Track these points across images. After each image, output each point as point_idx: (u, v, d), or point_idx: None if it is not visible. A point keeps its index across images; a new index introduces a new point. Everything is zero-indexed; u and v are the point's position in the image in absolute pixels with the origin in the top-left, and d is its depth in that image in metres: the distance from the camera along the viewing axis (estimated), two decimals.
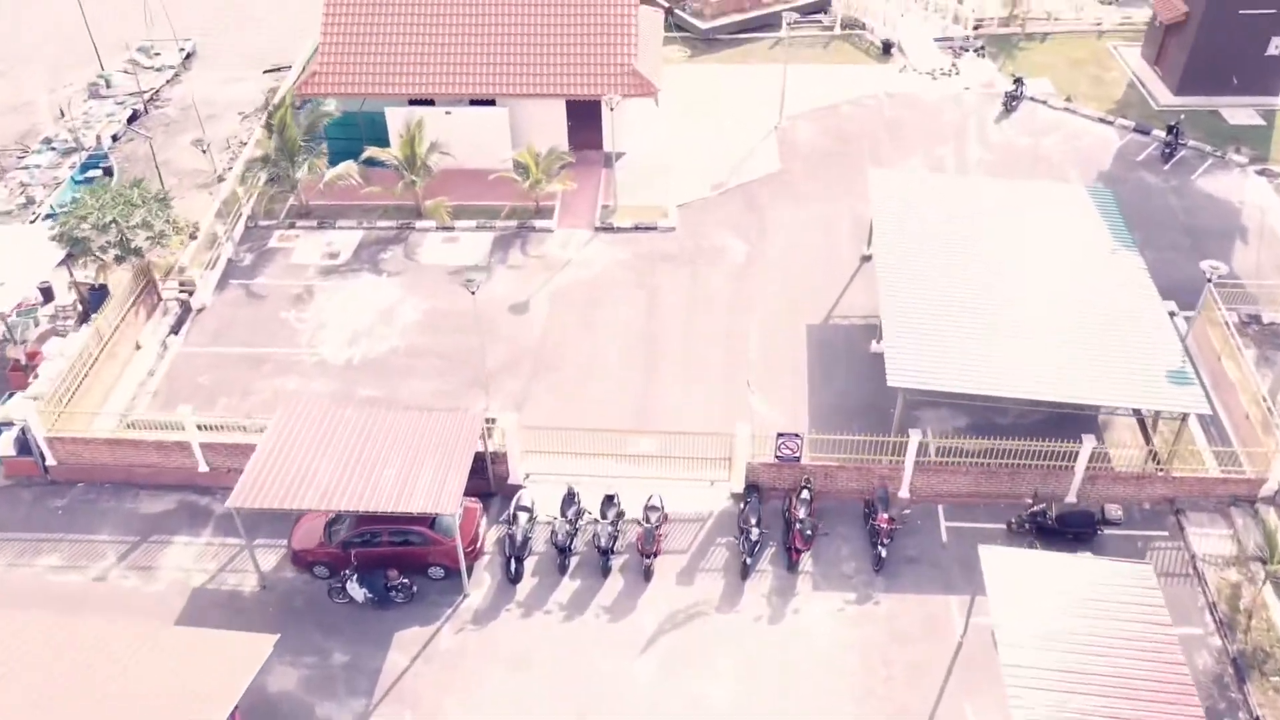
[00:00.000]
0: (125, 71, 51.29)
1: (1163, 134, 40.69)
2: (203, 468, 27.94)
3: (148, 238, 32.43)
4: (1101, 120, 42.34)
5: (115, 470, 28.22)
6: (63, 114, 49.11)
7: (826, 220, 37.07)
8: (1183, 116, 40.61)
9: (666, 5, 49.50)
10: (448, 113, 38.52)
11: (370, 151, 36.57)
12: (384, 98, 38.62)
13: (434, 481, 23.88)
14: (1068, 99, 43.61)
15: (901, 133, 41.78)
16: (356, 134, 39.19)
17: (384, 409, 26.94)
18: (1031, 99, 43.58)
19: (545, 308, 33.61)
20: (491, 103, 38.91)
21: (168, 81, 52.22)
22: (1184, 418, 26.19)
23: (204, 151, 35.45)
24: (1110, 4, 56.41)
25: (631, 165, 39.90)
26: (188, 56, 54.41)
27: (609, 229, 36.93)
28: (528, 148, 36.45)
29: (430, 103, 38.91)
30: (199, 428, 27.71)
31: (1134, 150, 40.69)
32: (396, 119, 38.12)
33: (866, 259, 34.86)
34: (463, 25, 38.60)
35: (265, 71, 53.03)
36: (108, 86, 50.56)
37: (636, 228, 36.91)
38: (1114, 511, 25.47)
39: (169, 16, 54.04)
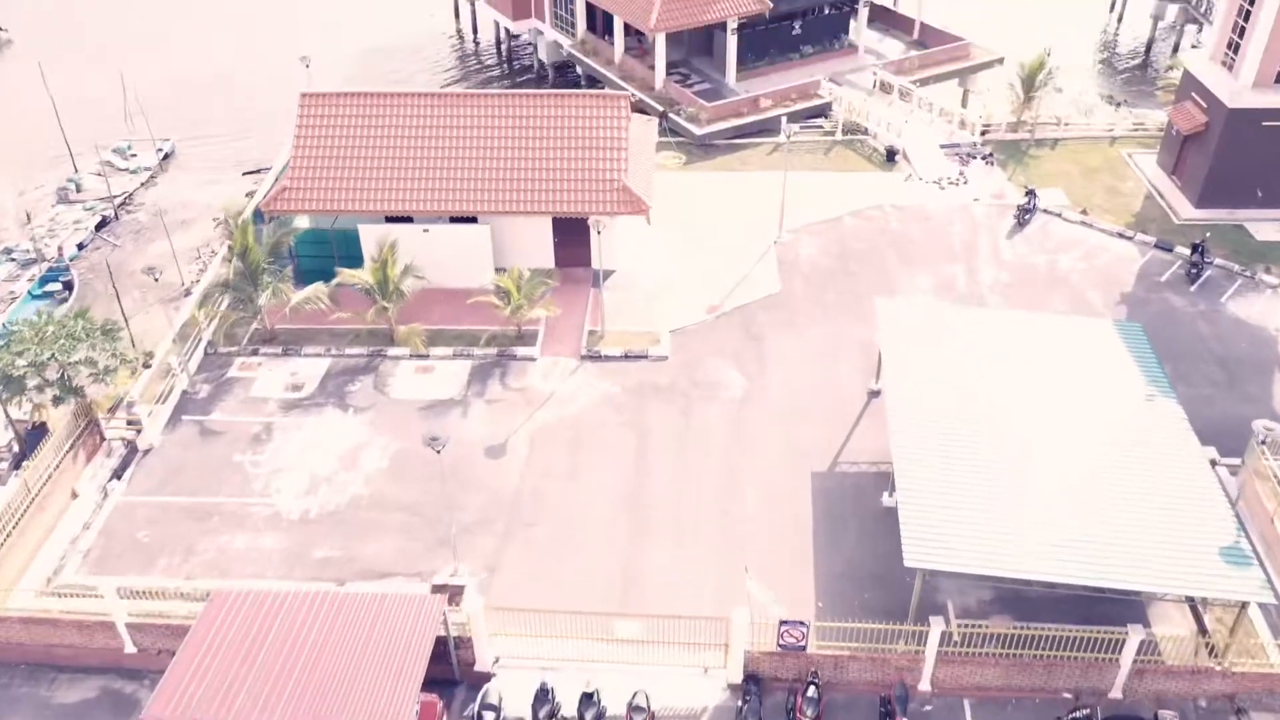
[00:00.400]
0: (97, 174, 49.30)
1: (1186, 252, 38.28)
2: (129, 649, 24.73)
3: (90, 375, 29.70)
4: (1120, 235, 39.97)
5: (33, 650, 24.99)
6: (29, 219, 46.97)
7: (831, 349, 34.38)
8: (1208, 234, 38.26)
9: (661, 110, 47.70)
10: (425, 230, 36.14)
11: (340, 276, 34.06)
12: (358, 214, 36.29)
13: (381, 692, 20.65)
14: (1083, 211, 41.33)
15: (909, 249, 39.37)
16: (328, 251, 36.84)
17: (329, 593, 23.75)
18: (1045, 211, 41.30)
19: (524, 451, 30.67)
20: (473, 219, 36.56)
21: (142, 184, 50.28)
22: (1243, 605, 23.04)
23: (155, 280, 32.95)
24: (1120, 105, 54.92)
25: (622, 284, 37.40)
26: (165, 157, 52.59)
27: (596, 357, 34.21)
28: (509, 271, 33.92)
29: (408, 219, 36.58)
30: (129, 593, 24.68)
31: (1157, 269, 38.21)
32: (370, 237, 35.73)
33: (875, 394, 32.09)
34: (443, 139, 36.43)
35: (244, 174, 51.19)
36: (77, 190, 48.51)
37: (626, 356, 34.19)
38: (1168, 718, 22.19)
39: (146, 116, 52.40)
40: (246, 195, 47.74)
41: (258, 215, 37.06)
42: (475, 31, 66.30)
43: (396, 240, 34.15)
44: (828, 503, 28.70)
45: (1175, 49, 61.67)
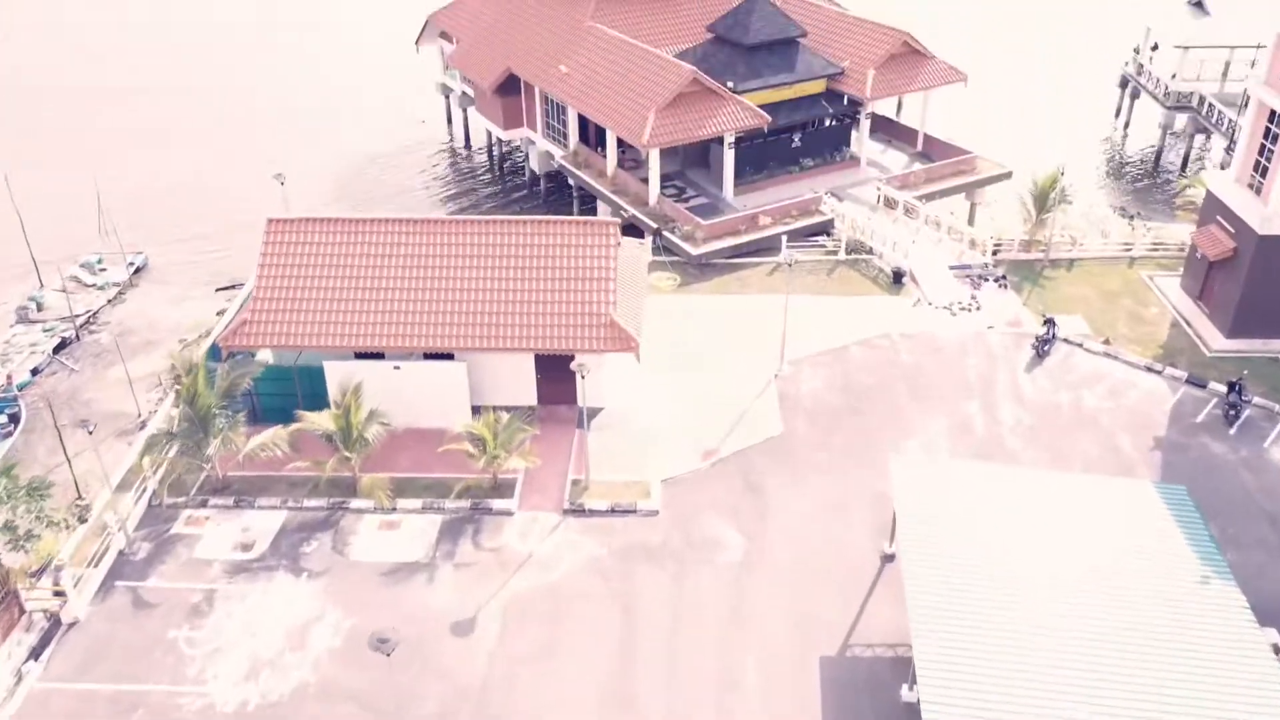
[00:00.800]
0: (63, 290, 46.84)
1: (1221, 389, 35.42)
2: None
3: (8, 542, 26.54)
4: (1149, 369, 37.10)
5: None
6: None
7: (839, 502, 31.16)
8: (1245, 372, 35.41)
9: (655, 227, 45.45)
10: (396, 367, 33.37)
11: (300, 421, 31.06)
12: (325, 350, 33.53)
13: None
14: (1106, 341, 38.57)
15: (921, 384, 36.46)
16: (290, 389, 33.99)
17: None
18: (1065, 341, 38.53)
19: (495, 626, 27.20)
20: (449, 355, 33.79)
21: (109, 301, 47.78)
22: None
23: (89, 433, 30.00)
24: (1133, 218, 52.79)
25: (610, 423, 34.45)
26: (137, 271, 50.25)
27: (580, 511, 30.99)
28: (484, 416, 30.93)
29: (379, 355, 33.83)
30: None
31: (1191, 408, 35.23)
32: (336, 374, 32.93)
33: (889, 558, 28.83)
34: (417, 269, 33.92)
35: (218, 289, 48.77)
36: (38, 309, 45.94)
37: (612, 511, 30.98)
38: None
39: (117, 230, 50.20)
40: (218, 314, 45.36)
41: (214, 351, 34.33)
42: (467, 139, 64.85)
43: (361, 382, 31.26)
44: (839, 696, 25.14)
45: (1186, 159, 60.05)
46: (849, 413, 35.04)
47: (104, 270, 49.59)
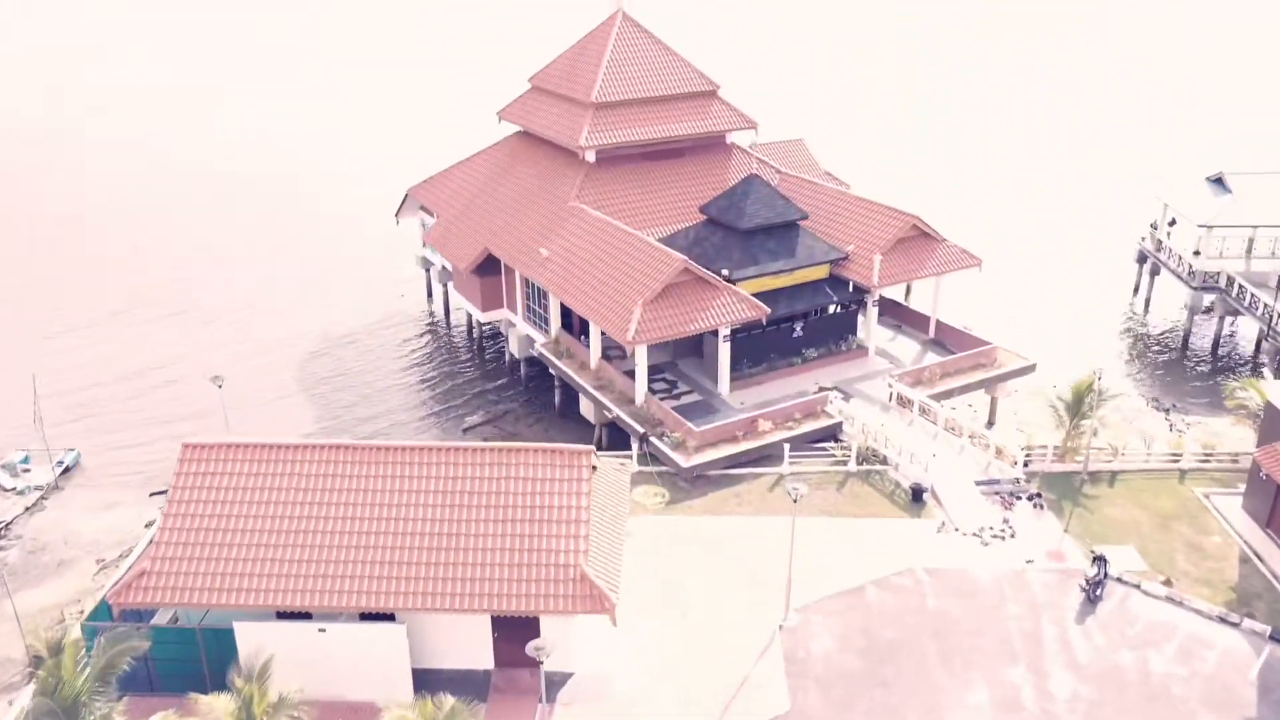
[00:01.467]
0: None
1: None
2: None
3: None
4: (1223, 620, 31.30)
5: None
6: None
7: None
8: None
9: (641, 431, 40.50)
10: (322, 630, 27.70)
11: (193, 709, 25.12)
12: (241, 610, 27.92)
13: None
14: (1167, 582, 32.93)
15: (953, 640, 30.58)
16: (194, 654, 28.19)
17: None
18: (1119, 580, 32.90)
19: None
20: (389, 615, 28.16)
21: (27, 509, 42.45)
22: None
23: None
24: (1168, 411, 48.21)
25: (580, 695, 28.45)
26: (65, 471, 45.08)
27: None
28: (421, 705, 24.93)
29: (306, 614, 28.21)
30: None
31: None
32: (249, 638, 27.24)
33: None
34: (354, 509, 28.67)
35: (152, 494, 43.51)
36: None
37: None
38: None
39: (44, 429, 45.29)
40: (146, 525, 40.03)
41: (104, 609, 28.73)
42: (447, 315, 60.89)
43: (270, 659, 25.44)
44: None
45: (1216, 342, 55.84)
46: (870, 682, 29.00)
47: (28, 471, 44.52)
